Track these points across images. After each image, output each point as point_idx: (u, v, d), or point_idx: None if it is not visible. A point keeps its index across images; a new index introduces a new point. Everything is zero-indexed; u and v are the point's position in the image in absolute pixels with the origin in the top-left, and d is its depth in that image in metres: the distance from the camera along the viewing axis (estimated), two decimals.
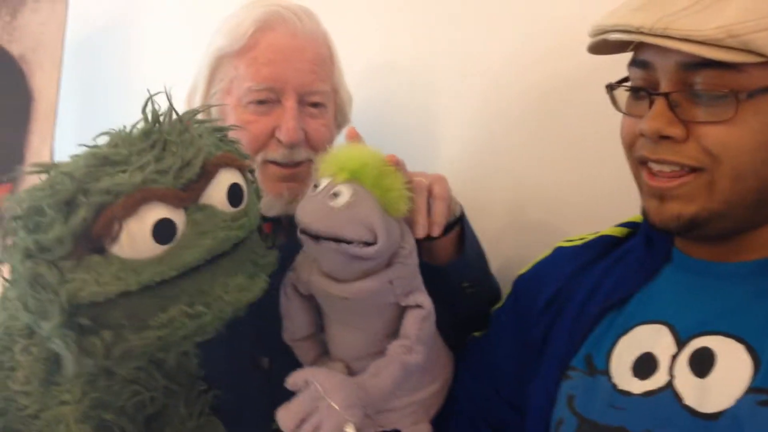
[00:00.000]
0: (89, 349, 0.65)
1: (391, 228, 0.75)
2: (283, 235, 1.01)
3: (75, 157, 0.68)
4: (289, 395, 0.91)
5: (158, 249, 0.65)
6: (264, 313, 0.91)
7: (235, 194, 0.71)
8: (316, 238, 0.73)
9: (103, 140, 0.70)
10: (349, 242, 0.72)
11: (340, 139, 1.09)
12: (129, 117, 0.72)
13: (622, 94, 0.71)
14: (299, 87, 0.96)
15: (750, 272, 0.67)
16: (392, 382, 0.77)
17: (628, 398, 0.68)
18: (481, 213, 0.99)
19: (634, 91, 0.68)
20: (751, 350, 0.63)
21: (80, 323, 0.64)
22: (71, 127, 1.80)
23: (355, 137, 0.82)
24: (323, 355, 0.86)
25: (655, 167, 0.66)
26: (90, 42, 1.89)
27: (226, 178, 0.71)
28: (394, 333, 0.80)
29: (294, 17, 0.97)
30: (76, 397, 0.72)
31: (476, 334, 0.92)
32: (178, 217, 0.66)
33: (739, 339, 0.64)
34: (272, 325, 0.90)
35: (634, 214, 0.79)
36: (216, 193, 0.70)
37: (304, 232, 0.74)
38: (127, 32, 1.81)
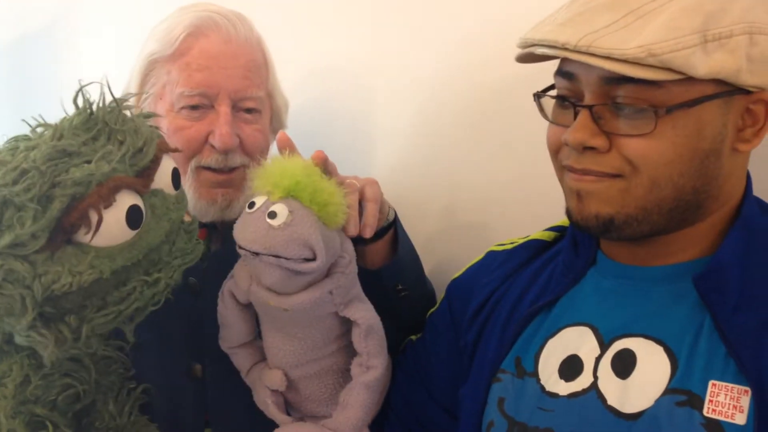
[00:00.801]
0: (58, 337, 0.66)
1: (330, 241, 0.75)
2: (219, 242, 1.00)
3: (23, 148, 0.67)
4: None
5: (130, 234, 0.68)
6: (197, 320, 0.91)
7: (176, 178, 0.75)
8: (256, 253, 0.73)
9: (42, 132, 0.70)
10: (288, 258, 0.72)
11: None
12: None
13: (549, 101, 0.72)
14: (233, 93, 0.95)
15: (668, 276, 0.69)
16: (363, 408, 0.79)
17: (556, 400, 0.70)
18: (417, 216, 1.02)
19: (560, 101, 0.70)
20: (669, 352, 0.65)
21: (44, 313, 0.65)
22: (5, 130, 1.73)
23: (285, 143, 0.82)
24: (260, 362, 0.86)
25: (576, 168, 0.68)
26: (21, 43, 1.83)
27: (168, 164, 0.74)
28: (333, 339, 0.81)
29: (227, 23, 0.96)
30: (8, 392, 0.72)
31: (413, 337, 0.93)
32: (142, 203, 0.69)
33: (658, 341, 0.66)
34: (205, 332, 0.91)
35: (563, 216, 0.81)
36: (163, 178, 0.73)
37: (243, 249, 0.75)
38: (58, 30, 1.75)
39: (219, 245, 0.99)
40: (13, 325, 0.66)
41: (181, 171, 0.79)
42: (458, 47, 1.06)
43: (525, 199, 1.00)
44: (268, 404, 0.84)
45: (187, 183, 0.94)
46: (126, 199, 0.67)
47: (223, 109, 0.94)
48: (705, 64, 0.60)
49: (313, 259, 0.73)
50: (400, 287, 0.89)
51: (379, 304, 0.84)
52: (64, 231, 0.64)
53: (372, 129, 1.19)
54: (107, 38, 1.60)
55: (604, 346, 0.69)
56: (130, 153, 0.69)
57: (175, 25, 0.96)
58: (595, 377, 0.68)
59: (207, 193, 0.95)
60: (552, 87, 0.72)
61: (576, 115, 0.66)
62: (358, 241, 0.84)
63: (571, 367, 0.70)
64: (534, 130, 0.97)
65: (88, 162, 0.66)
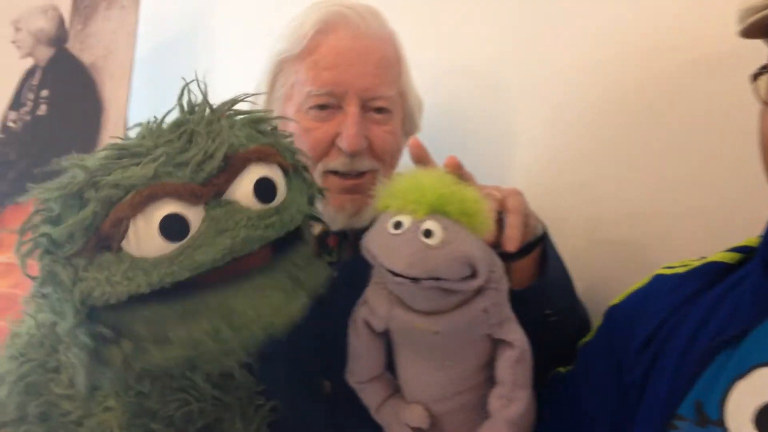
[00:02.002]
0: (106, 359, 0.62)
1: (486, 255, 0.69)
2: (349, 250, 0.95)
3: (101, 148, 0.65)
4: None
5: (168, 247, 0.61)
6: (328, 335, 0.85)
7: (264, 189, 0.66)
8: (416, 279, 0.66)
9: (135, 131, 0.68)
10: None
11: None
12: None
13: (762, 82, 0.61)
14: (362, 91, 0.91)
15: None
16: None
17: None
18: (559, 230, 0.90)
19: None
20: None
21: (100, 331, 0.62)
22: None
23: (418, 148, 0.77)
24: (392, 396, 0.79)
25: None
26: (161, 49, 1.89)
27: (254, 172, 0.66)
28: (483, 367, 0.73)
29: (358, 17, 0.92)
30: (122, 403, 0.69)
31: (561, 369, 0.83)
32: (193, 214, 0.62)
33: None
34: (336, 348, 0.84)
35: (743, 235, 0.71)
36: (242, 189, 0.65)
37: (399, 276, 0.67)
38: (197, 39, 1.80)
39: (350, 254, 0.94)
40: (60, 330, 0.63)
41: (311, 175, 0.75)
42: (608, 37, 0.96)
43: (696, 213, 0.87)
44: None
45: None
46: (164, 208, 0.61)
47: (352, 108, 0.90)
48: None
49: (472, 276, 0.66)
50: (548, 312, 0.80)
51: (526, 331, 0.75)
52: (103, 236, 0.61)
53: (508, 132, 1.11)
54: (245, 42, 1.61)
55: None
56: (198, 158, 0.63)
57: (304, 22, 0.93)
58: None
59: (334, 199, 0.91)
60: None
61: None
62: (504, 258, 0.76)
63: None
64: (702, 132, 0.85)
65: (139, 164, 0.61)
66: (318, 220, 0.79)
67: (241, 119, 0.69)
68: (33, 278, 0.64)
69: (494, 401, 0.71)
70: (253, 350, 0.65)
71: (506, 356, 0.71)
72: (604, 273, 0.96)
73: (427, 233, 0.65)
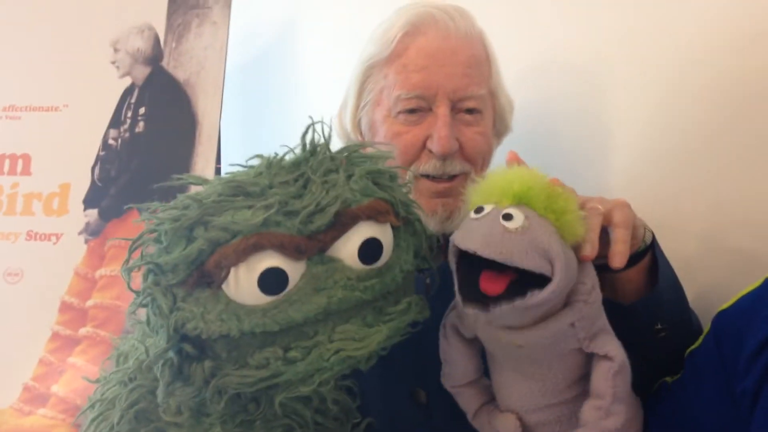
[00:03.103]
0: (188, 376, 0.65)
1: (569, 260, 0.67)
2: (442, 256, 0.94)
3: (218, 179, 0.67)
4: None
5: (264, 299, 0.62)
6: (423, 344, 0.85)
7: (369, 250, 0.65)
8: (485, 307, 0.65)
9: (255, 162, 0.69)
10: (522, 285, 0.64)
11: (499, 150, 1.01)
12: (291, 140, 0.71)
13: None
14: (452, 92, 0.91)
15: None
16: None
17: None
18: (668, 237, 0.87)
19: None
20: None
21: (186, 349, 0.64)
22: (236, 150, 1.87)
23: (515, 161, 0.75)
24: (489, 403, 0.79)
25: None
26: (249, 66, 1.95)
27: (363, 232, 0.65)
28: (576, 381, 0.72)
29: (446, 17, 0.93)
30: (229, 429, 0.70)
31: (668, 379, 0.80)
32: (293, 268, 0.63)
33: None
34: (431, 356, 0.85)
35: None
36: (348, 247, 0.65)
37: (473, 255, 0.65)
38: (284, 54, 1.85)
39: (443, 259, 0.94)
40: (153, 347, 0.66)
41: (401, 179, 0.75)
42: (717, 25, 0.92)
43: None
44: None
45: None
46: (266, 260, 0.61)
47: (442, 110, 0.91)
48: None
49: (549, 277, 0.64)
50: (659, 327, 0.77)
51: (629, 346, 0.73)
52: (205, 273, 0.62)
53: (606, 133, 1.08)
54: (337, 58, 1.64)
55: None
56: (309, 209, 0.63)
57: (392, 25, 0.95)
58: None
59: (426, 203, 0.92)
60: None
61: None
62: (607, 269, 0.74)
63: None
64: None
65: (251, 207, 0.62)
66: (426, 270, 0.79)
67: (359, 171, 0.68)
68: (135, 292, 0.68)
69: (590, 412, 0.69)
70: (331, 379, 0.65)
71: (603, 369, 0.68)
72: (713, 280, 0.92)
73: (507, 217, 0.64)
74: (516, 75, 1.08)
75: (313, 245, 0.63)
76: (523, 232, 0.64)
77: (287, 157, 0.68)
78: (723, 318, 0.75)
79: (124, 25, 1.95)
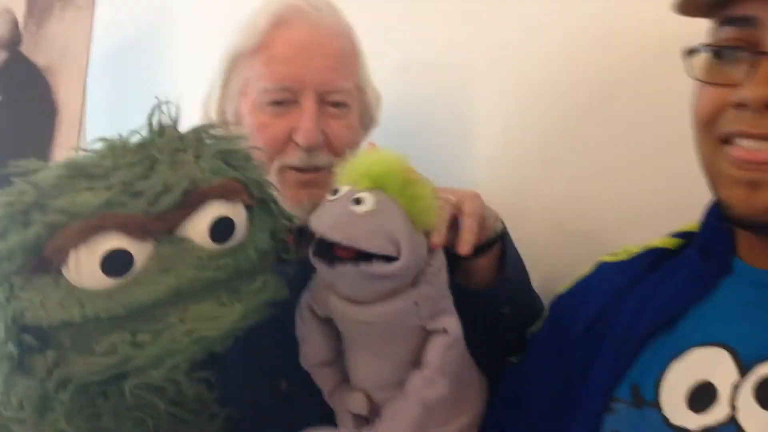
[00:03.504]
0: (29, 368, 0.62)
1: (417, 242, 0.70)
2: (307, 247, 0.96)
3: (57, 163, 0.64)
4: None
5: (108, 282, 0.60)
6: (283, 334, 0.86)
7: (221, 229, 0.65)
8: (330, 262, 0.68)
9: (98, 146, 0.67)
10: (368, 258, 0.67)
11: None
12: None
13: (696, 63, 0.63)
14: (318, 85, 0.92)
15: None
16: (412, 425, 0.72)
17: None
18: (522, 223, 0.94)
19: (720, 55, 0.61)
20: None
21: (26, 341, 0.61)
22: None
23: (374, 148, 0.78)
24: (344, 382, 0.81)
25: (750, 146, 0.58)
26: (118, 53, 1.89)
27: (213, 211, 0.64)
28: (420, 359, 0.75)
29: (313, 11, 0.94)
30: (74, 425, 0.67)
31: (513, 359, 0.86)
32: (139, 249, 0.61)
33: None
34: (292, 346, 0.86)
35: (690, 223, 0.73)
36: (197, 226, 0.64)
37: (320, 242, 0.69)
38: (155, 42, 1.81)
39: (307, 251, 0.96)
40: None
41: (266, 171, 0.75)
42: (567, 33, 1.00)
43: (644, 205, 0.91)
44: (349, 431, 0.78)
45: None
46: (109, 242, 0.59)
47: (308, 103, 0.92)
48: None
49: (396, 258, 0.68)
50: (506, 310, 0.83)
51: (478, 328, 0.78)
52: (43, 260, 0.60)
53: (469, 127, 1.14)
54: (202, 42, 1.62)
55: (744, 371, 0.60)
56: (155, 189, 0.61)
57: (259, 16, 0.95)
58: (734, 408, 0.59)
59: (292, 194, 0.92)
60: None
61: (753, 68, 0.57)
62: (460, 257, 0.79)
63: (702, 396, 0.61)
64: (659, 125, 0.88)
65: (92, 189, 0.60)
66: (292, 232, 0.79)
67: (209, 150, 0.67)
68: None
69: (414, 380, 0.72)
70: (185, 362, 0.64)
71: (437, 341, 0.72)
72: (563, 264, 0.99)
73: (357, 201, 0.67)
74: (387, 72, 1.12)
75: (160, 225, 0.62)
76: (371, 216, 0.67)
77: (133, 139, 0.66)
78: (559, 301, 0.81)
79: None
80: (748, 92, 0.57)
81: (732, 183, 0.60)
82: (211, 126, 0.72)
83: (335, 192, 0.71)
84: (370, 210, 0.67)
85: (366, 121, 1.02)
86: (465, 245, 0.75)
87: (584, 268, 0.81)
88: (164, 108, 0.67)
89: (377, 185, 0.69)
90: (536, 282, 0.91)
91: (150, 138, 0.66)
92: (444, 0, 1.16)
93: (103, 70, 1.91)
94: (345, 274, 0.68)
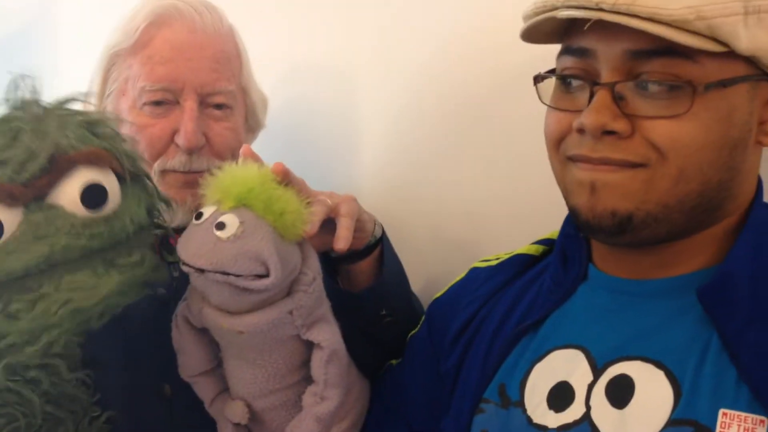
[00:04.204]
0: None
1: (288, 256, 0.71)
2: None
3: None
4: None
5: None
6: (167, 339, 0.85)
7: (93, 196, 0.63)
8: (201, 270, 0.67)
9: None
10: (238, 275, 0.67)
11: (257, 147, 1.03)
12: None
13: (547, 86, 0.67)
14: (199, 87, 0.91)
15: (669, 289, 0.64)
16: None
17: None
18: (402, 229, 0.96)
19: (565, 81, 0.65)
20: (671, 377, 0.60)
21: None
22: None
23: (249, 155, 0.77)
24: (224, 392, 0.81)
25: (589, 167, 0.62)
26: (7, 42, 1.80)
27: (82, 177, 0.63)
28: (299, 366, 0.76)
29: (192, 12, 0.92)
30: None
31: (393, 362, 0.88)
32: (8, 216, 0.60)
33: (658, 364, 0.61)
34: (174, 352, 0.84)
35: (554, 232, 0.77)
36: (68, 193, 0.62)
37: (186, 265, 0.69)
38: (36, 35, 1.73)
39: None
40: None
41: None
42: (446, 40, 1.02)
43: (520, 211, 0.95)
44: None
45: None
46: None
47: (189, 104, 0.90)
48: (746, 38, 0.57)
49: (266, 275, 0.68)
50: (384, 313, 0.84)
51: (361, 331, 0.80)
52: None
53: (354, 132, 1.15)
54: (86, 38, 1.56)
55: (597, 372, 0.64)
56: (21, 157, 0.60)
57: (136, 14, 0.92)
58: (588, 407, 0.63)
59: (175, 194, 0.90)
60: (553, 71, 0.67)
61: (591, 96, 0.61)
62: (342, 260, 0.80)
63: (560, 396, 0.65)
64: (529, 134, 0.91)
65: None
66: (162, 228, 0.77)
67: (74, 120, 0.66)
68: None
69: (307, 398, 0.74)
70: (62, 337, 0.62)
71: (317, 357, 0.74)
72: (443, 268, 1.02)
73: (220, 225, 0.67)
74: (276, 75, 1.11)
75: (27, 192, 0.60)
76: (235, 240, 0.66)
77: None
78: (435, 305, 0.83)
79: None
80: (585, 119, 0.60)
81: (577, 187, 0.63)
82: (75, 100, 0.70)
83: (199, 216, 0.70)
84: (234, 234, 0.67)
85: (251, 123, 1.01)
86: (341, 241, 0.76)
87: (460, 274, 0.83)
88: (23, 82, 0.65)
89: (241, 203, 0.69)
90: (417, 286, 0.93)
91: (12, 111, 0.64)
92: (329, 5, 1.16)
93: None
94: (213, 282, 0.67)
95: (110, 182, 0.66)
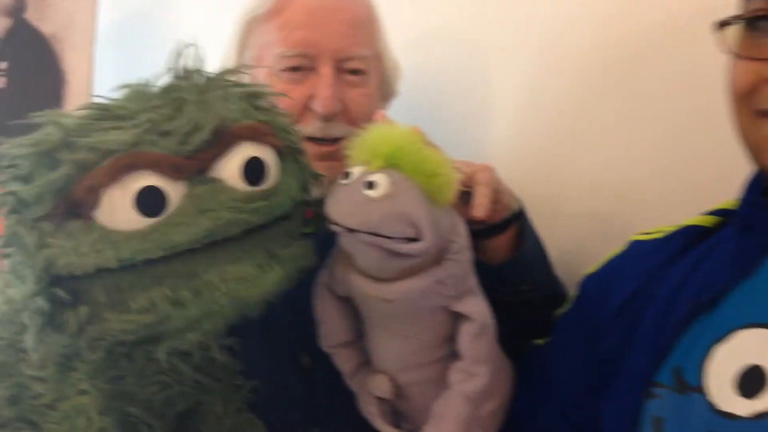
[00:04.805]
0: (60, 324, 0.59)
1: (439, 220, 0.67)
2: (327, 222, 0.93)
3: (80, 108, 0.62)
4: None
5: (142, 222, 0.58)
6: (305, 309, 0.84)
7: (254, 171, 0.62)
8: (351, 230, 0.65)
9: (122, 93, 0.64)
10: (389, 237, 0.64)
11: (389, 114, 1.00)
12: None
13: (729, 34, 0.61)
14: (336, 52, 0.89)
15: None
16: (460, 424, 0.69)
17: (733, 422, 0.58)
18: (540, 203, 0.90)
19: (755, 25, 0.59)
20: None
21: (58, 295, 0.59)
22: None
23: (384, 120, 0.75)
24: (365, 364, 0.79)
25: None
26: (127, 22, 1.85)
27: (245, 151, 0.62)
28: (445, 340, 0.73)
29: None
30: (97, 386, 0.66)
31: (538, 341, 0.83)
32: (173, 188, 0.59)
33: None
34: (311, 322, 0.83)
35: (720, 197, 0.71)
36: (230, 167, 0.62)
37: (336, 224, 0.67)
38: (164, 10, 1.76)
39: (326, 225, 0.93)
40: (18, 295, 0.60)
41: None
42: (587, 3, 0.95)
43: (678, 182, 0.87)
44: (373, 414, 0.76)
45: None
46: (141, 179, 0.57)
47: (325, 70, 0.89)
48: None
49: (417, 239, 0.65)
50: (524, 288, 0.80)
51: (499, 308, 0.75)
52: (74, 202, 0.57)
53: (485, 98, 1.10)
54: (212, 11, 1.58)
55: None
56: (185, 128, 0.59)
57: None
58: None
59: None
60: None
61: None
62: (477, 236, 0.76)
63: (752, 381, 0.58)
64: (690, 97, 0.84)
65: (120, 128, 0.58)
66: (311, 205, 0.76)
67: (236, 92, 0.65)
68: None
69: (453, 374, 0.71)
70: (222, 325, 0.62)
71: (465, 330, 0.70)
72: (582, 243, 0.96)
73: (370, 185, 0.64)
74: (401, 41, 1.08)
75: (192, 164, 0.59)
76: (386, 200, 0.64)
77: (154, 86, 0.63)
78: (590, 281, 0.78)
79: None
80: None
81: None
82: (236, 71, 0.69)
83: (347, 175, 0.68)
84: (385, 193, 0.64)
85: (385, 91, 0.99)
86: (479, 209, 0.73)
87: (615, 248, 0.77)
88: (187, 51, 0.65)
89: (390, 164, 0.66)
90: (558, 268, 0.87)
91: (175, 81, 0.63)
92: None
93: (112, 38, 1.87)
94: (364, 243, 0.65)
95: (270, 158, 0.65)
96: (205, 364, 0.72)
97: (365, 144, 0.68)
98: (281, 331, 0.87)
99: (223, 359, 0.73)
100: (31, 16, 1.82)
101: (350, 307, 0.76)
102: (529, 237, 0.81)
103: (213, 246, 0.60)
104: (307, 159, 0.74)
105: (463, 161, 0.76)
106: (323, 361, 0.82)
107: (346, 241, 0.68)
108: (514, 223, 0.80)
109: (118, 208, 0.57)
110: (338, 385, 0.81)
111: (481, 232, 0.77)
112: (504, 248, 0.80)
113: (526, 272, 0.80)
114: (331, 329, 0.77)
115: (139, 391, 0.68)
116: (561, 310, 0.81)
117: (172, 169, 0.58)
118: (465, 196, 0.74)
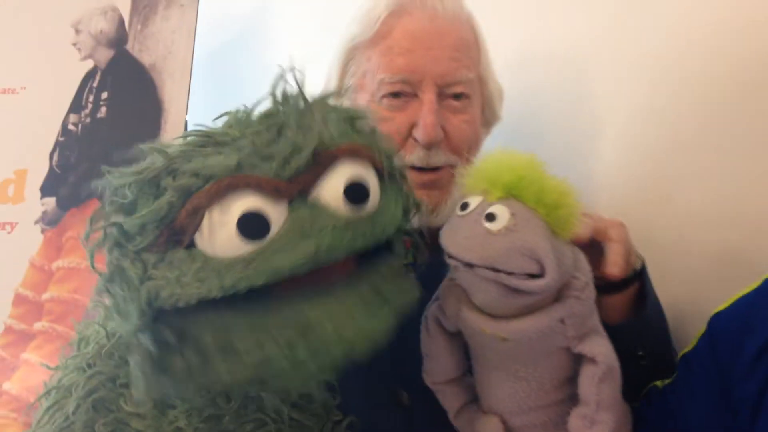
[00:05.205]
0: (167, 368, 0.58)
1: (561, 255, 0.63)
2: (426, 251, 0.90)
3: (183, 136, 0.62)
4: None
5: (245, 247, 0.56)
6: (405, 343, 0.81)
7: (355, 193, 0.60)
8: (470, 264, 0.62)
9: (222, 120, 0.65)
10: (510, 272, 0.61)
11: (488, 141, 0.97)
12: None
13: None
14: (439, 77, 0.87)
15: None
16: None
17: None
18: (648, 234, 0.84)
19: None
20: None
21: (164, 337, 0.58)
22: None
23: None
24: (471, 403, 0.75)
25: None
26: (220, 50, 1.89)
27: (345, 172, 0.60)
28: (564, 382, 0.68)
29: None
30: (193, 424, 0.66)
31: (658, 383, 0.77)
32: (275, 212, 0.57)
33: None
34: (414, 357, 0.81)
35: None
36: (331, 189, 0.60)
37: (454, 259, 0.64)
38: (257, 40, 1.79)
39: (427, 256, 0.90)
40: (121, 330, 0.60)
41: None
42: (695, 14, 0.90)
43: None
44: None
45: None
46: (243, 202, 0.56)
47: (428, 96, 0.87)
48: None
49: (540, 275, 0.61)
50: (641, 353, 0.75)
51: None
52: (176, 229, 0.56)
53: (593, 123, 1.05)
54: (309, 44, 1.59)
55: None
56: (286, 151, 0.58)
57: (376, 4, 0.91)
58: None
59: None
60: None
61: None
62: (598, 291, 0.71)
63: None
64: None
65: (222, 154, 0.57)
66: (410, 234, 0.73)
67: (336, 114, 0.64)
68: (100, 274, 0.61)
69: (575, 420, 0.66)
70: (328, 368, 0.59)
71: (589, 373, 0.65)
72: (702, 279, 0.89)
73: (490, 217, 0.61)
74: (505, 64, 1.04)
75: (293, 187, 0.58)
76: (507, 233, 0.60)
77: (255, 112, 0.63)
78: (719, 320, 0.72)
79: (86, 6, 1.88)
80: None
81: None
82: (336, 92, 0.70)
83: (465, 206, 0.65)
84: (505, 226, 0.61)
85: (488, 115, 0.96)
86: (614, 267, 0.70)
87: (749, 285, 0.71)
88: (288, 76, 0.64)
89: (511, 194, 0.62)
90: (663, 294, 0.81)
91: (275, 106, 0.63)
92: None
93: (206, 68, 1.92)
94: (483, 278, 0.62)
95: (370, 178, 0.63)
96: (303, 401, 0.71)
97: (483, 172, 0.65)
98: (380, 365, 0.84)
99: (322, 395, 0.72)
100: (132, 47, 1.88)
101: (459, 342, 0.73)
102: (650, 296, 0.76)
103: (318, 288, 0.58)
104: (409, 185, 0.71)
105: (595, 214, 0.72)
106: (422, 397, 0.79)
107: (463, 276, 0.65)
108: (636, 281, 0.76)
109: (220, 233, 0.56)
110: (438, 423, 0.78)
111: (600, 288, 0.72)
112: (619, 309, 0.75)
113: (644, 335, 0.76)
114: (438, 365, 0.74)
115: (235, 429, 0.67)
116: (686, 349, 0.75)
117: (274, 191, 0.57)
118: (593, 249, 0.70)
